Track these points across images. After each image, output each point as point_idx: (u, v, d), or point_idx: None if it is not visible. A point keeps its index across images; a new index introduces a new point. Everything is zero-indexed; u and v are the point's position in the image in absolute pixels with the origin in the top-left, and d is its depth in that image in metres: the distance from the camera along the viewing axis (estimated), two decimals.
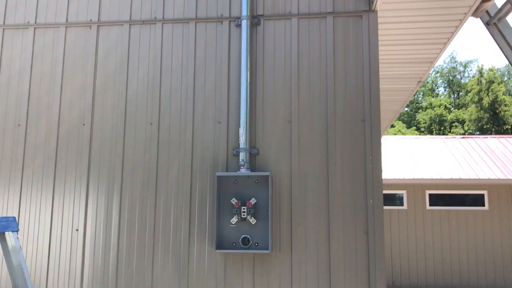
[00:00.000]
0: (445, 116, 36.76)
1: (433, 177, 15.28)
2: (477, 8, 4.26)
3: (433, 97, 41.03)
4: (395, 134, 35.69)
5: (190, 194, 4.23)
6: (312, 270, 3.99)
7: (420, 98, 42.46)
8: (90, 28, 4.62)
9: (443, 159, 16.66)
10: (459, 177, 15.14)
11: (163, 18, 4.53)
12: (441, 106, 37.62)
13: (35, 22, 4.72)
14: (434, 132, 36.80)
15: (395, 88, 6.26)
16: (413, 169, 15.90)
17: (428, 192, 15.85)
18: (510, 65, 4.35)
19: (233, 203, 3.98)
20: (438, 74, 43.40)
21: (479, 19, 4.54)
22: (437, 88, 43.65)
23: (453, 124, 35.98)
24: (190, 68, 4.43)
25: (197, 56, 4.44)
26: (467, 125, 35.17)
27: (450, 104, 39.16)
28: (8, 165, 4.51)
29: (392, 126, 39.26)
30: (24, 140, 4.52)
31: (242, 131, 4.17)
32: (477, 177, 15.09)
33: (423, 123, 37.83)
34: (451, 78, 42.38)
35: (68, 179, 4.40)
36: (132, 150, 4.37)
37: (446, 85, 43.10)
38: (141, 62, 4.50)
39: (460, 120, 35.99)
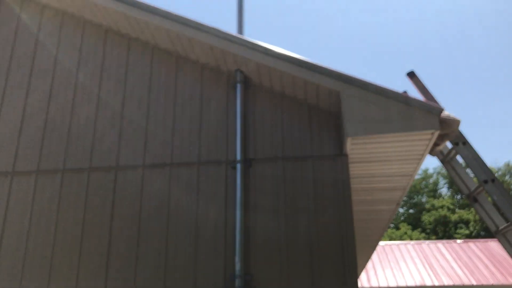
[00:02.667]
0: (449, 217, 36.99)
1: (436, 284, 15.41)
2: (432, 149, 5.14)
3: (436, 198, 41.52)
4: (401, 237, 35.68)
5: None
6: None
7: (424, 200, 42.93)
8: (109, 172, 5.52)
9: (446, 264, 16.85)
10: (462, 284, 15.28)
11: (171, 162, 5.44)
12: (444, 207, 37.99)
13: (63, 168, 5.65)
14: (440, 233, 36.77)
15: (377, 210, 7.01)
16: (416, 275, 16.06)
17: None
18: (462, 195, 5.13)
19: None
20: (440, 175, 44.27)
21: (435, 157, 5.42)
22: (440, 189, 44.27)
23: (458, 225, 36.07)
24: (194, 204, 5.23)
25: (199, 193, 5.27)
26: (472, 225, 35.26)
27: (453, 205, 39.50)
28: None
29: (398, 228, 39.32)
30: (48, 275, 5.21)
31: (237, 259, 4.85)
32: (481, 283, 15.22)
33: (428, 225, 37.94)
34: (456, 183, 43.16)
35: None
36: (142, 276, 5.03)
37: (448, 185, 43.76)
38: (152, 199, 5.32)
39: (465, 220, 36.15)
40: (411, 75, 5.46)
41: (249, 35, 5.25)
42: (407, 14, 70.03)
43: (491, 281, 15.26)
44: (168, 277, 4.99)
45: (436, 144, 5.02)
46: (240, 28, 7.00)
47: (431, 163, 55.25)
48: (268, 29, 73.59)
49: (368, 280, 16.03)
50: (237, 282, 4.76)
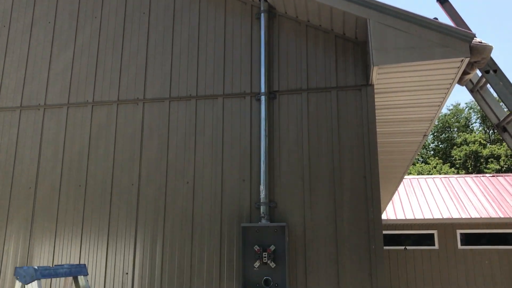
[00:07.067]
0: (481, 152, 36.45)
1: (463, 216, 15.51)
2: (461, 78, 5.00)
3: (467, 133, 40.76)
4: (429, 171, 35.59)
5: (220, 242, 5.04)
6: None
7: (455, 135, 42.26)
8: (137, 105, 5.63)
9: (474, 198, 16.84)
10: (489, 216, 15.33)
11: (196, 95, 5.49)
12: (476, 142, 37.36)
13: (93, 101, 5.79)
14: (470, 168, 36.45)
15: (402, 141, 6.98)
16: (443, 208, 16.17)
17: (459, 231, 16.02)
18: (492, 125, 5.04)
19: (256, 249, 4.76)
20: (472, 110, 43.19)
21: (464, 86, 5.28)
22: (471, 124, 43.34)
23: (489, 160, 35.59)
24: (219, 135, 5.33)
25: (224, 125, 5.35)
26: (503, 160, 34.73)
27: (485, 140, 38.77)
28: (71, 219, 5.47)
29: (427, 163, 39.14)
30: (83, 198, 5.49)
31: (262, 187, 4.99)
32: (508, 216, 15.22)
33: (458, 160, 37.58)
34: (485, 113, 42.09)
35: (120, 230, 5.31)
36: (172, 205, 5.25)
37: (480, 120, 42.78)
38: (179, 130, 5.44)
39: (496, 155, 35.59)
40: (442, 0, 5.20)
41: None
42: None
43: None
44: (196, 204, 5.20)
45: (465, 73, 4.87)
46: None
47: (462, 98, 53.61)
48: None
49: (395, 213, 16.25)
50: (262, 208, 4.92)
